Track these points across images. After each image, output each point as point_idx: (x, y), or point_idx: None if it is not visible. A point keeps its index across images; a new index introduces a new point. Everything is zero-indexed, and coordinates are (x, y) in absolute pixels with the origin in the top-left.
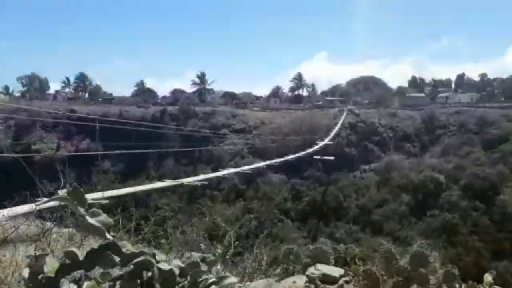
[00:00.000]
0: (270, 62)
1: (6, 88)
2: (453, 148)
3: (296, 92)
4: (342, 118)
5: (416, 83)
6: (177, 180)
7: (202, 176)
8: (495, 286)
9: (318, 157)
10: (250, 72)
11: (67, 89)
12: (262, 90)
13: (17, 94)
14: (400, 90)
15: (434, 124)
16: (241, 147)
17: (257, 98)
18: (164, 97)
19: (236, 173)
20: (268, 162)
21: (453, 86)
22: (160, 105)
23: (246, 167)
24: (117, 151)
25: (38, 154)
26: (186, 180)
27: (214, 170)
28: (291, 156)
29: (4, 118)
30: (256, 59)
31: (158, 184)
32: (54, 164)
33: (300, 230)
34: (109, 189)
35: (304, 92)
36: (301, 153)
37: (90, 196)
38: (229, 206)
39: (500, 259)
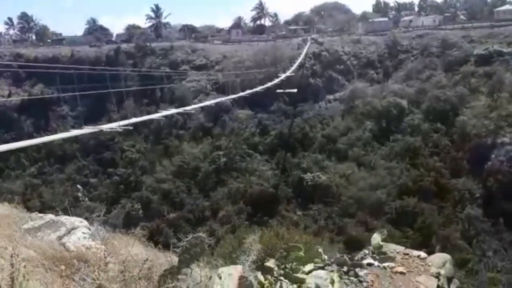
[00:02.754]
0: None
1: None
2: (415, 72)
3: (258, 22)
4: (306, 47)
5: (380, 8)
6: (96, 127)
7: (125, 121)
8: (385, 245)
9: (281, 90)
10: (209, 3)
11: (11, 31)
12: (224, 21)
13: None
14: (364, 16)
15: (397, 49)
16: (204, 84)
17: (219, 30)
18: (118, 35)
19: (202, 110)
20: (225, 98)
21: (416, 9)
22: (114, 43)
23: (189, 107)
24: (72, 94)
25: None
26: (106, 126)
27: (178, 108)
28: (249, 91)
29: None
30: None
31: (75, 132)
32: (8, 112)
33: (268, 163)
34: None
35: (267, 22)
36: (261, 87)
37: None
38: (196, 144)
39: (458, 177)
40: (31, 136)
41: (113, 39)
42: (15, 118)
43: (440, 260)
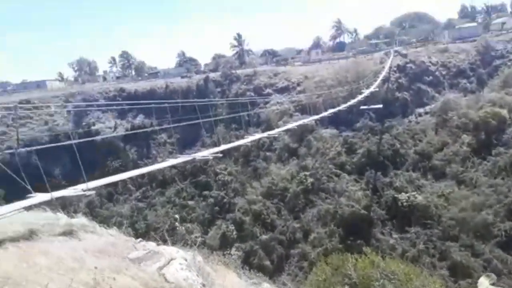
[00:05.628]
0: (308, 12)
1: (60, 75)
2: None
3: (337, 40)
4: (389, 61)
5: (467, 13)
6: (190, 155)
7: (215, 149)
8: None
9: (366, 107)
10: (290, 25)
11: (114, 69)
12: (304, 42)
13: (71, 79)
14: (450, 23)
15: (491, 55)
16: (287, 106)
17: (298, 52)
18: (206, 65)
19: (286, 131)
20: (308, 119)
21: (508, 9)
22: (203, 73)
23: (273, 131)
24: (171, 125)
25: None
26: (198, 155)
27: (264, 131)
28: (332, 110)
29: (63, 104)
30: (295, 9)
31: (172, 162)
32: (115, 142)
33: (358, 183)
34: (164, 161)
35: (346, 39)
36: (345, 105)
37: (80, 186)
38: (283, 165)
39: None
40: (135, 163)
41: (202, 69)
42: (121, 147)
43: None
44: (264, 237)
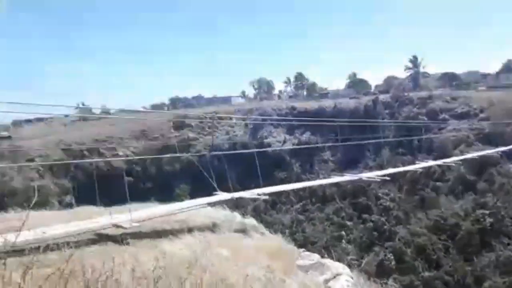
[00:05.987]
0: (497, 34)
1: (243, 92)
2: None
3: None
4: None
5: None
6: (356, 175)
7: (383, 172)
8: None
9: None
10: (475, 48)
11: (288, 88)
12: (491, 66)
13: (251, 96)
14: None
15: None
16: (466, 133)
17: (484, 76)
18: (377, 86)
19: (462, 162)
20: (493, 150)
21: None
22: (372, 95)
23: (449, 160)
24: (336, 144)
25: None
26: (365, 175)
27: (436, 159)
28: None
29: (243, 117)
30: (480, 30)
31: (337, 179)
32: (283, 155)
33: None
34: (329, 177)
35: None
36: None
37: (256, 191)
38: (456, 199)
39: None
40: (299, 177)
41: (372, 90)
42: (287, 160)
43: None
44: (427, 274)
